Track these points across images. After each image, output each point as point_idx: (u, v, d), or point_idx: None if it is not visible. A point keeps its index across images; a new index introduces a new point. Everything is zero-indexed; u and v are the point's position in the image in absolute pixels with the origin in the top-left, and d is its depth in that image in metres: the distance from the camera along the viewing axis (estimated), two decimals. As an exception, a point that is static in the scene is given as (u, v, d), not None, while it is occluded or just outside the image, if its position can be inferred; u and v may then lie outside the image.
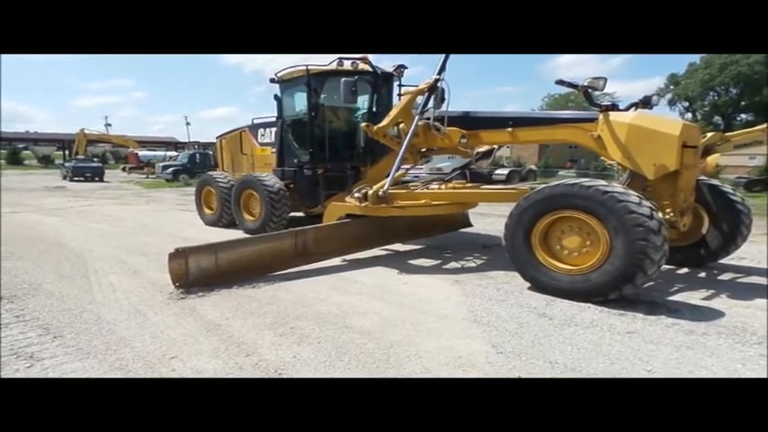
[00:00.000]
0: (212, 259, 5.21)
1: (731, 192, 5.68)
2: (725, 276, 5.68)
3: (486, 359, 3.38)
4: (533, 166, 35.87)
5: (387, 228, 6.90)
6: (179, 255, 4.98)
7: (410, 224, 7.24)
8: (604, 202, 4.37)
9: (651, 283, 5.12)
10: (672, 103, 53.37)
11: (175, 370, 3.18)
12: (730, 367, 3.26)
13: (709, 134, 16.03)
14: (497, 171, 26.44)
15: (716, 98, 50.74)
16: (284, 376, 3.13)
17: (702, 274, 5.74)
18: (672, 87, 53.07)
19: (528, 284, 5.04)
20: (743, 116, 49.50)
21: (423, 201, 6.49)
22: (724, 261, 6.08)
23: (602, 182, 4.67)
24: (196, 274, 5.04)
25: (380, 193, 6.27)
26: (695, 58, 50.15)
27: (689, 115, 52.67)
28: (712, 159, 17.77)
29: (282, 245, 5.95)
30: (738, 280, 5.55)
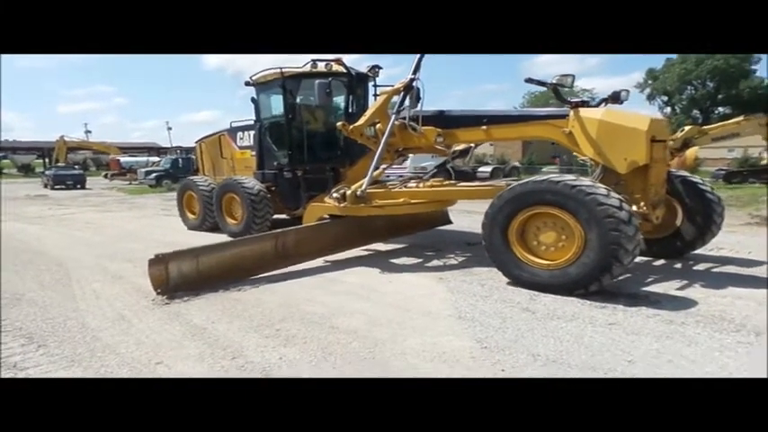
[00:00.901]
0: (194, 264, 5.20)
1: (701, 182, 5.84)
2: (700, 267, 5.81)
3: (471, 354, 3.43)
4: (517, 163, 36.16)
5: (367, 227, 6.94)
6: (159, 261, 4.95)
7: (390, 223, 7.29)
8: (573, 195, 4.47)
9: (629, 275, 5.24)
10: (651, 97, 54.22)
11: (161, 375, 3.18)
12: (708, 355, 3.35)
13: (687, 128, 16.23)
14: (481, 168, 26.67)
15: (693, 92, 51.65)
16: (275, 376, 3.15)
17: (678, 265, 5.86)
18: (650, 82, 53.87)
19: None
20: (720, 109, 50.39)
21: (401, 199, 6.56)
22: (702, 252, 6.23)
23: (571, 176, 4.79)
24: (177, 280, 5.03)
25: (358, 192, 6.32)
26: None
27: (668, 109, 53.48)
28: (691, 152, 18.08)
29: (263, 247, 5.96)
30: (714, 270, 5.67)
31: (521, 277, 4.92)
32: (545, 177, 4.81)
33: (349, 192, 6.38)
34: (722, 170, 22.94)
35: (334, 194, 6.67)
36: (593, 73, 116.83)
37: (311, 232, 6.62)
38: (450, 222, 8.82)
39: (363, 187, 6.33)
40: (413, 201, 6.56)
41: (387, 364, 3.29)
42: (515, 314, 4.24)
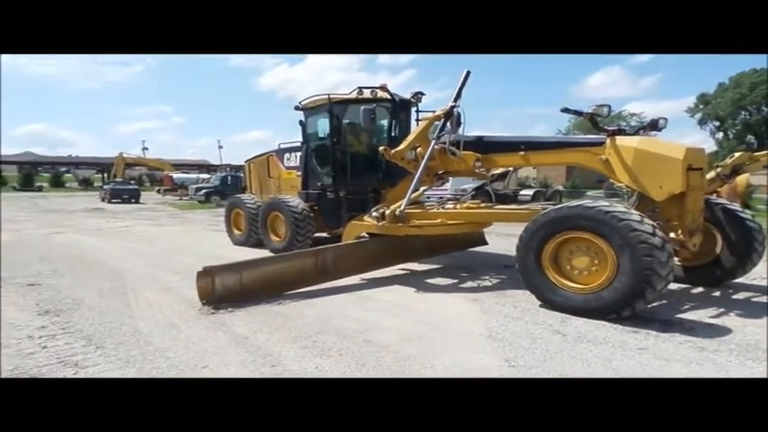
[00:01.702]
0: (237, 277, 5.48)
1: (741, 210, 5.75)
2: (740, 296, 5.70)
3: (499, 372, 3.53)
4: (560, 187, 35.61)
5: (404, 246, 7.10)
6: (206, 273, 5.27)
7: (427, 243, 7.43)
8: (607, 221, 4.53)
9: (665, 301, 5.21)
10: (702, 122, 52.57)
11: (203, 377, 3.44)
12: (738, 383, 3.34)
13: (737, 154, 15.76)
14: (522, 192, 26.41)
15: (748, 117, 49.82)
16: (286, 376, 3.30)
17: (717, 293, 5.76)
18: (701, 107, 52.34)
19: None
20: (777, 135, 48.33)
21: (438, 220, 6.71)
22: (745, 281, 6.11)
23: (605, 202, 4.85)
24: (222, 292, 5.32)
25: (397, 212, 6.52)
26: (723, 77, 49.49)
27: (720, 134, 51.72)
28: (742, 179, 17.46)
29: (303, 263, 6.20)
30: (754, 299, 5.55)
31: (554, 301, 4.98)
32: (579, 203, 4.88)
33: (388, 211, 6.60)
34: (776, 197, 21.94)
35: (374, 213, 6.89)
36: (643, 97, 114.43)
37: (350, 250, 6.84)
38: (486, 243, 8.90)
39: (402, 207, 6.54)
40: (449, 222, 6.71)
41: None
42: (546, 336, 4.31)
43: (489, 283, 6.53)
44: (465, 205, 7.16)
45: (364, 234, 7.14)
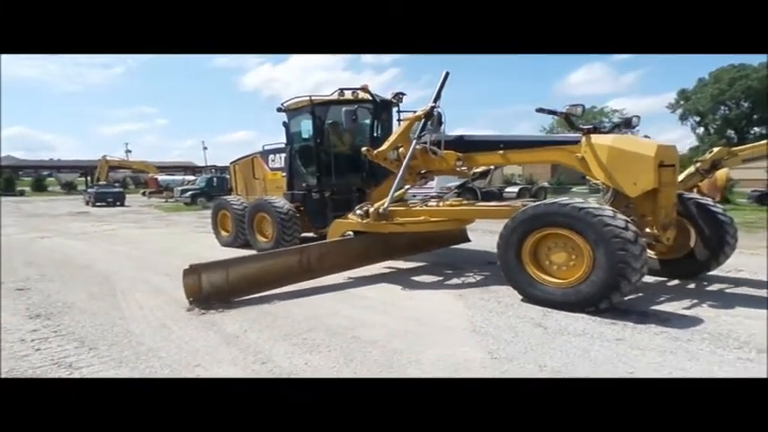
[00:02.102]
0: (224, 275, 5.54)
1: (713, 205, 5.99)
2: (715, 287, 5.92)
3: (482, 364, 3.67)
4: (546, 183, 36.03)
5: (388, 243, 7.21)
6: (193, 271, 5.32)
7: (410, 240, 7.55)
8: (582, 217, 4.71)
9: (641, 294, 5.41)
10: (683, 117, 53.49)
11: (199, 376, 3.53)
12: (707, 369, 3.50)
13: (716, 149, 16.08)
14: (507, 189, 26.74)
15: (727, 112, 50.79)
16: (284, 377, 3.40)
17: (692, 286, 5.97)
18: (682, 102, 53.22)
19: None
20: (756, 129, 49.32)
21: (421, 217, 6.87)
22: (721, 273, 6.34)
23: (579, 199, 5.04)
24: (209, 290, 5.37)
25: (381, 210, 6.66)
26: (703, 72, 50.36)
27: (701, 129, 52.63)
28: (721, 174, 17.84)
29: (289, 261, 6.27)
30: (728, 290, 5.77)
31: (535, 295, 5.14)
32: (555, 201, 5.06)
33: (372, 209, 6.73)
34: (757, 191, 22.41)
35: (358, 211, 7.02)
36: (625, 93, 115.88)
37: (334, 247, 6.94)
38: (468, 240, 9.04)
39: (386, 205, 6.67)
40: (432, 219, 6.86)
41: (403, 371, 3.56)
42: (527, 329, 4.47)
43: (474, 280, 6.69)
44: (448, 203, 7.32)
45: (349, 232, 7.26)
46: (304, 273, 6.30)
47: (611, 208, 4.77)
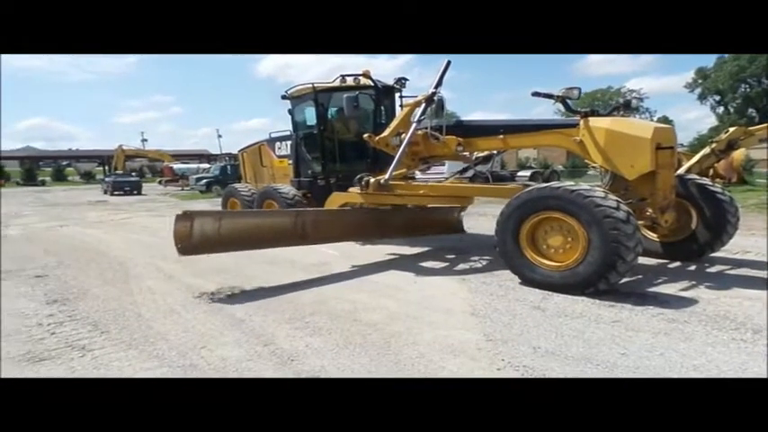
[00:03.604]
0: (216, 225, 5.47)
1: (714, 186, 5.97)
2: (717, 269, 5.93)
3: (477, 346, 3.77)
4: (560, 167, 35.67)
5: (383, 221, 7.26)
6: (186, 217, 5.29)
7: (405, 220, 7.60)
8: (573, 199, 4.77)
9: (641, 276, 5.45)
10: (702, 96, 52.33)
11: (204, 358, 3.68)
12: (700, 350, 3.56)
13: (732, 129, 15.75)
14: (520, 173, 26.41)
15: (748, 90, 49.56)
16: (283, 377, 3.44)
17: (692, 267, 6.00)
18: (701, 81, 52.04)
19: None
20: (779, 107, 48.12)
21: (421, 191, 6.91)
22: (726, 255, 6.34)
23: (570, 183, 5.12)
24: (199, 238, 5.33)
25: (382, 181, 6.74)
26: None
27: (720, 109, 51.49)
28: (738, 154, 17.48)
29: (284, 222, 6.25)
30: (731, 272, 5.78)
31: (534, 279, 5.21)
32: (547, 185, 5.13)
33: (373, 180, 6.81)
34: (776, 172, 21.93)
35: (358, 182, 7.08)
36: (645, 72, 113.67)
37: (330, 216, 6.97)
38: (462, 231, 8.93)
39: (387, 176, 6.75)
40: (432, 194, 6.90)
41: (399, 353, 3.68)
42: (526, 312, 4.55)
43: (479, 264, 6.76)
44: (449, 181, 7.39)
45: (347, 204, 7.34)
46: (297, 237, 6.24)
47: (602, 189, 4.82)
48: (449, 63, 6.69)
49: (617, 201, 4.68)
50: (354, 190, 7.13)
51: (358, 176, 7.25)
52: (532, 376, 3.27)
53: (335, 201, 7.39)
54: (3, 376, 3.44)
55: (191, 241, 5.30)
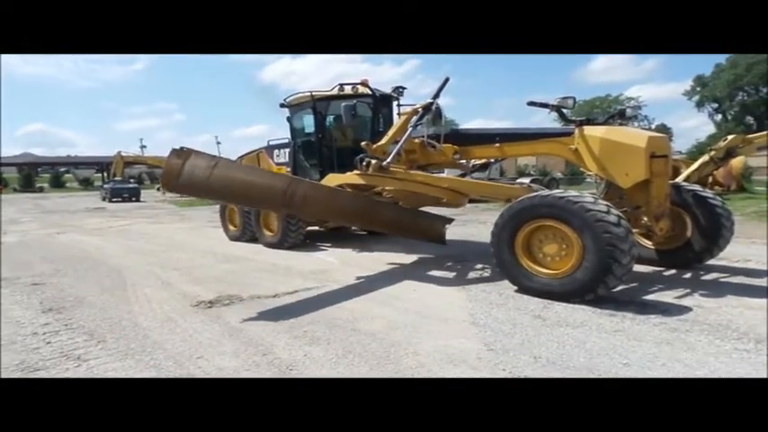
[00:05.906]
0: (208, 171, 5.27)
1: (710, 195, 5.95)
2: (712, 277, 5.92)
3: (477, 356, 3.73)
4: (559, 174, 35.75)
5: (372, 211, 7.17)
6: (181, 154, 5.10)
7: (393, 217, 7.50)
8: (563, 206, 4.78)
9: (641, 285, 5.41)
10: (700, 104, 52.58)
11: (201, 368, 3.63)
12: (703, 360, 3.51)
13: (730, 137, 15.78)
14: (519, 180, 26.57)
15: (745, 98, 49.82)
16: (283, 377, 3.45)
17: (689, 275, 5.99)
18: (699, 89, 52.31)
19: (524, 291, 5.36)
20: (776, 115, 48.29)
21: (419, 179, 6.81)
22: (727, 263, 6.33)
23: (558, 191, 5.12)
24: (186, 179, 5.16)
25: (383, 164, 6.70)
26: (720, 58, 49.42)
27: (718, 116, 51.72)
28: (737, 162, 17.49)
29: (275, 185, 6.09)
30: (730, 281, 5.75)
31: (532, 288, 5.18)
32: (536, 193, 5.15)
33: (374, 161, 6.76)
34: (776, 179, 21.95)
35: (359, 162, 6.99)
36: (646, 80, 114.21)
37: (322, 193, 6.80)
38: (444, 243, 8.41)
39: (388, 160, 6.71)
40: (430, 183, 6.81)
41: (399, 363, 3.63)
42: (526, 321, 4.51)
43: (479, 272, 6.72)
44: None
45: (342, 186, 7.21)
46: (283, 205, 6.09)
47: (591, 195, 4.83)
48: (447, 79, 6.73)
49: (607, 205, 4.69)
50: (355, 172, 7.06)
51: (359, 156, 7.13)
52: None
53: (331, 181, 7.33)
54: (2, 376, 3.41)
55: (178, 181, 5.13)
